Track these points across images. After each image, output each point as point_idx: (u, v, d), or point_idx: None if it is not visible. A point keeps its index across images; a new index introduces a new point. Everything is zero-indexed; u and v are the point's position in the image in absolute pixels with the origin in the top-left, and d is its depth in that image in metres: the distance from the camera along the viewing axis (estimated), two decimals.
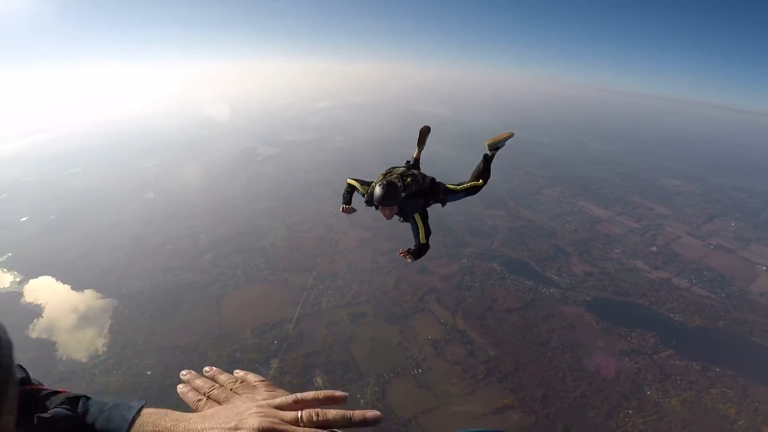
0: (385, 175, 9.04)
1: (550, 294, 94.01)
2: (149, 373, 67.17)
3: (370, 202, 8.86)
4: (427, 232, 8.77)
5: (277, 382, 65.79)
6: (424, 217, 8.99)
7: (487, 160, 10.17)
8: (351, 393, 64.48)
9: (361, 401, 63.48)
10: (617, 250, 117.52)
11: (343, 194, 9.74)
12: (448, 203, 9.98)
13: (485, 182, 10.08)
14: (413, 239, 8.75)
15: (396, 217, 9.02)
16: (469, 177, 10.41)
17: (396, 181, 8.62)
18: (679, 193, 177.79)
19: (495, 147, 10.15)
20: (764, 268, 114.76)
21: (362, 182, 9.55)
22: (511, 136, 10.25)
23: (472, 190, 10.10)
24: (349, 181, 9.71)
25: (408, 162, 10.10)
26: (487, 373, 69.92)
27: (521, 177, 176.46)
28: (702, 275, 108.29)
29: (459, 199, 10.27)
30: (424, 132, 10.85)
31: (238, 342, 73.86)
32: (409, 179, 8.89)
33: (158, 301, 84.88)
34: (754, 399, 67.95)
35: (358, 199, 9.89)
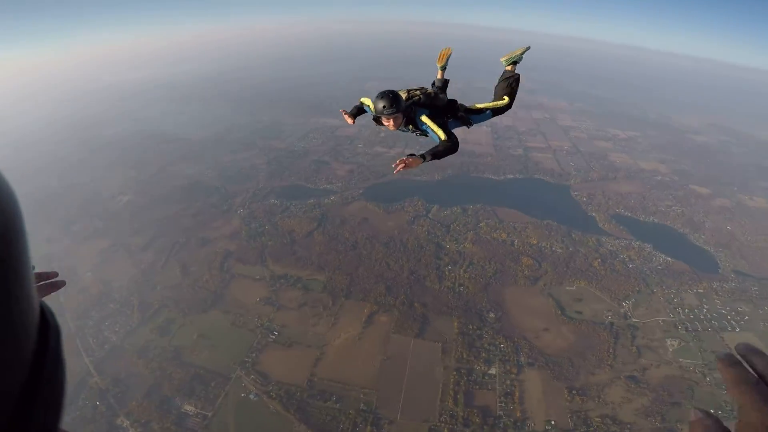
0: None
1: (332, 202, 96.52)
2: None
3: (375, 117, 8.54)
4: (447, 131, 8.00)
5: None
6: (437, 120, 8.29)
7: (508, 77, 9.72)
8: (230, 399, 53.37)
9: (251, 396, 53.42)
10: (360, 145, 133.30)
11: (351, 109, 9.43)
12: (474, 124, 9.51)
13: (512, 101, 9.63)
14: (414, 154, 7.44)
15: (409, 133, 8.82)
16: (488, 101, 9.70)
17: (398, 91, 8.31)
18: (381, 88, 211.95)
19: (513, 62, 9.76)
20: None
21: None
22: (527, 49, 10.00)
23: (499, 110, 9.53)
24: (363, 99, 9.33)
25: (433, 83, 9.63)
26: (333, 297, 68.52)
27: (257, 113, 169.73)
28: (422, 141, 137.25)
29: (486, 119, 9.62)
30: (445, 52, 10.03)
31: None
32: (417, 91, 8.73)
33: None
34: (507, 221, 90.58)
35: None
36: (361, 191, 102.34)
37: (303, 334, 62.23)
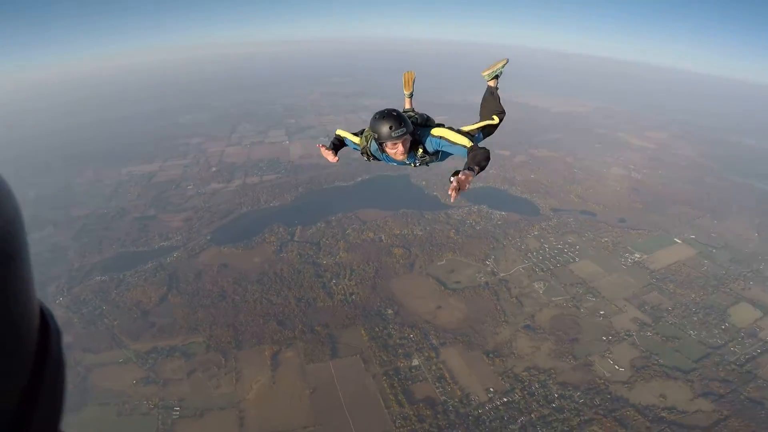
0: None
1: (176, 259, 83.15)
2: None
3: (368, 150, 7.51)
4: (469, 137, 7.04)
5: None
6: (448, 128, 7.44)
7: (493, 93, 9.02)
8: None
9: None
10: (190, 187, 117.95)
11: (330, 143, 8.12)
12: None
13: (501, 119, 8.68)
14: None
15: (415, 161, 7.55)
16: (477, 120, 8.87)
17: (393, 108, 7.13)
18: (200, 123, 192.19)
19: (495, 76, 9.05)
20: (286, 141, 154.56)
21: (357, 134, 8.00)
22: (506, 62, 9.06)
23: (489, 129, 8.58)
24: (339, 132, 8.29)
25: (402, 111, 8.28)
26: (223, 353, 60.37)
27: (34, 179, 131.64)
28: (259, 167, 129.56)
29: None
30: (409, 77, 9.27)
31: None
32: (410, 112, 8.04)
33: None
34: (369, 221, 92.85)
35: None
36: (208, 237, 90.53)
37: (209, 399, 54.00)
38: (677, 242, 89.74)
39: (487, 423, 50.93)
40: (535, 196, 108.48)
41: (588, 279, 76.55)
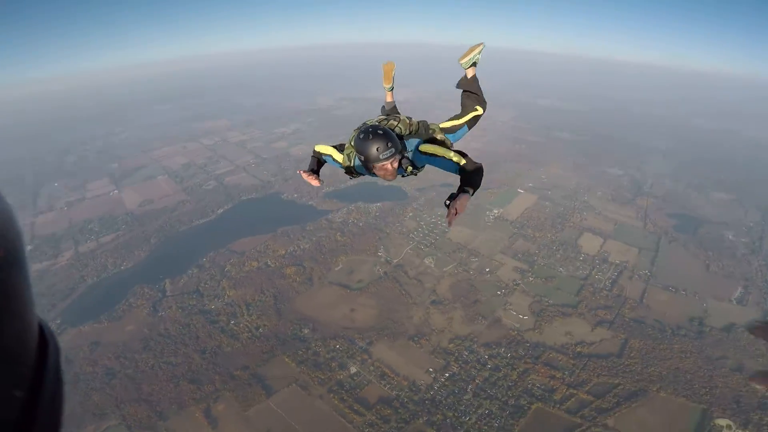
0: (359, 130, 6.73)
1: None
2: None
3: (352, 169, 7.12)
4: (458, 152, 6.62)
5: None
6: (435, 142, 7.18)
7: (472, 82, 8.48)
8: None
9: None
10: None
11: (309, 164, 7.66)
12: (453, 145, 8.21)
13: (485, 109, 8.31)
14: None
15: (402, 174, 6.88)
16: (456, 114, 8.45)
17: (378, 124, 6.70)
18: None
19: (473, 63, 8.44)
20: (115, 191, 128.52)
21: (337, 147, 7.43)
22: (482, 47, 8.55)
23: (473, 121, 8.27)
24: (318, 148, 7.64)
25: (383, 108, 8.55)
26: (151, 428, 52.83)
27: None
28: (90, 229, 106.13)
29: (463, 135, 8.26)
30: (389, 69, 8.81)
31: None
32: (393, 121, 7.18)
33: None
34: (248, 251, 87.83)
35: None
36: (58, 321, 74.08)
37: None
38: (521, 192, 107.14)
39: (443, 401, 53.59)
40: (401, 182, 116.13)
41: (465, 242, 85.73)
